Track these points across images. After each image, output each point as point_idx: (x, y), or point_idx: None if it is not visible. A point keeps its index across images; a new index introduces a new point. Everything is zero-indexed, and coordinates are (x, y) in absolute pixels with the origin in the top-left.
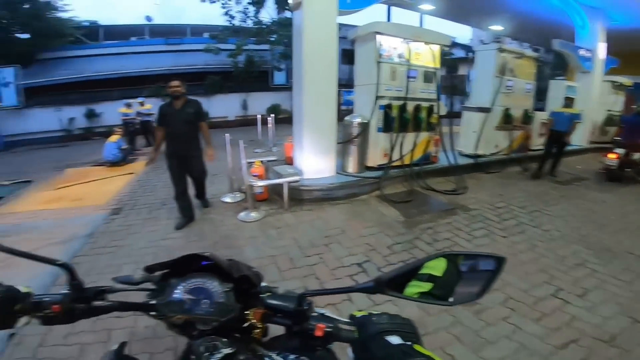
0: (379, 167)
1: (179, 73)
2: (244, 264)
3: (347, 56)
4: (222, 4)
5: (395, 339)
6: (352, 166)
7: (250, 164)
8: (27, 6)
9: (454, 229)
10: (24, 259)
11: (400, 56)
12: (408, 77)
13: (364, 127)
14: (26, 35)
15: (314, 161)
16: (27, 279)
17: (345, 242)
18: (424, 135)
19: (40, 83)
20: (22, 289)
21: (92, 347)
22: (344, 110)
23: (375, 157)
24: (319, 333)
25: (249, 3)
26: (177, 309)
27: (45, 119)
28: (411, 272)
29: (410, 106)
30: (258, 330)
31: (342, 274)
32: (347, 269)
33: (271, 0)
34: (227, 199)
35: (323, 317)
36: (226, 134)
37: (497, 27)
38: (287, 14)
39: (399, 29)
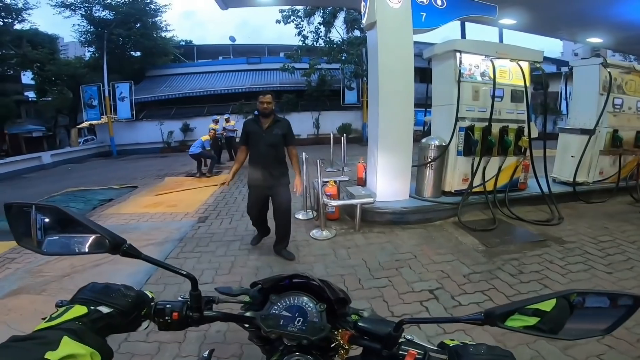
0: (457, 193)
1: (256, 91)
2: (336, 285)
3: (420, 75)
4: (296, 24)
5: None
6: (427, 190)
7: (324, 183)
8: (138, 25)
9: (544, 261)
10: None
11: (483, 74)
12: (493, 96)
13: (442, 150)
14: (137, 54)
15: (387, 184)
16: (128, 274)
17: (416, 267)
18: (511, 160)
19: (148, 99)
20: (149, 294)
21: (169, 345)
22: (416, 132)
23: (453, 182)
24: (409, 359)
25: (320, 23)
26: (273, 324)
27: (150, 132)
28: (519, 306)
29: (496, 128)
30: (343, 352)
31: (412, 299)
32: (417, 294)
33: (341, 20)
34: (300, 216)
35: (412, 343)
36: (303, 153)
37: (594, 40)
38: (357, 32)
39: (481, 46)
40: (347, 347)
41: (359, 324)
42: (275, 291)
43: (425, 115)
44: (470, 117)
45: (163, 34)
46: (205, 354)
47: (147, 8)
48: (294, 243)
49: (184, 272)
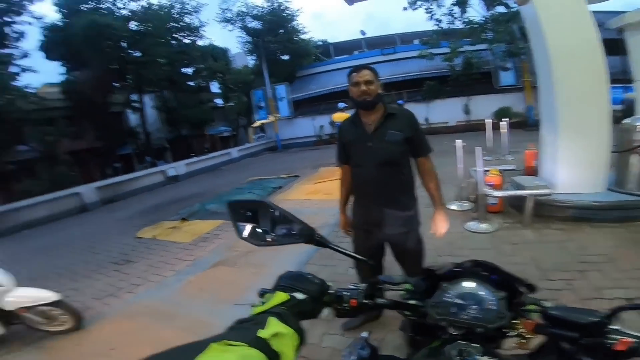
0: None
1: (398, 81)
2: (515, 275)
3: (608, 47)
4: (425, 9)
5: None
6: (632, 182)
7: (485, 172)
8: (282, 31)
9: None
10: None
11: None
12: None
13: None
14: (286, 57)
15: (571, 173)
16: (291, 257)
17: (611, 273)
18: None
19: (301, 97)
20: (329, 284)
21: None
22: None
23: None
24: (621, 347)
25: (453, 4)
26: (443, 312)
27: (305, 127)
28: None
29: None
30: (522, 342)
31: (598, 306)
32: (607, 301)
33: None
34: (453, 207)
35: (618, 332)
36: (457, 140)
37: None
38: (500, 8)
39: None
40: (529, 336)
41: (551, 312)
42: (445, 279)
43: (624, 93)
44: None
45: (303, 37)
46: (365, 334)
47: (284, 14)
48: (448, 235)
49: (370, 262)
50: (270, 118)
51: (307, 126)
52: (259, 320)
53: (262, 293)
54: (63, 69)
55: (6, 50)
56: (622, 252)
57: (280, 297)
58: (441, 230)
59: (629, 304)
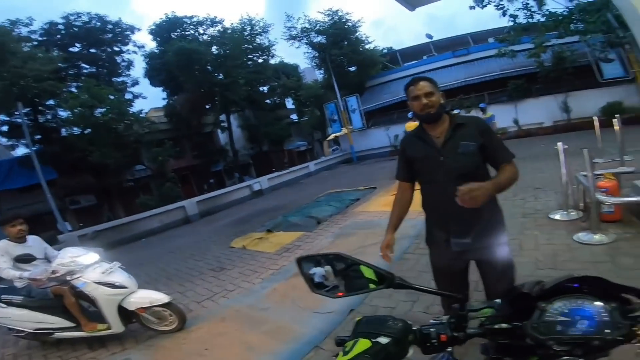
0: None
1: (475, 83)
2: (622, 284)
3: None
4: (495, 5)
5: None
6: None
7: (597, 176)
8: (345, 43)
9: None
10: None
11: None
12: None
13: None
14: (353, 68)
15: None
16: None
17: None
18: None
19: (372, 107)
20: (409, 322)
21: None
22: None
23: None
24: None
25: None
26: (547, 331)
27: (379, 137)
28: None
29: None
30: None
31: None
32: None
33: None
34: (557, 216)
35: None
36: (559, 143)
37: None
38: None
39: None
40: None
41: None
42: (542, 298)
43: None
44: None
45: (367, 46)
46: (450, 349)
47: (345, 27)
48: (551, 247)
49: (459, 296)
50: (344, 130)
51: (381, 136)
52: None
53: (340, 342)
54: (164, 94)
55: (120, 79)
56: None
57: (363, 344)
58: (467, 194)
59: None
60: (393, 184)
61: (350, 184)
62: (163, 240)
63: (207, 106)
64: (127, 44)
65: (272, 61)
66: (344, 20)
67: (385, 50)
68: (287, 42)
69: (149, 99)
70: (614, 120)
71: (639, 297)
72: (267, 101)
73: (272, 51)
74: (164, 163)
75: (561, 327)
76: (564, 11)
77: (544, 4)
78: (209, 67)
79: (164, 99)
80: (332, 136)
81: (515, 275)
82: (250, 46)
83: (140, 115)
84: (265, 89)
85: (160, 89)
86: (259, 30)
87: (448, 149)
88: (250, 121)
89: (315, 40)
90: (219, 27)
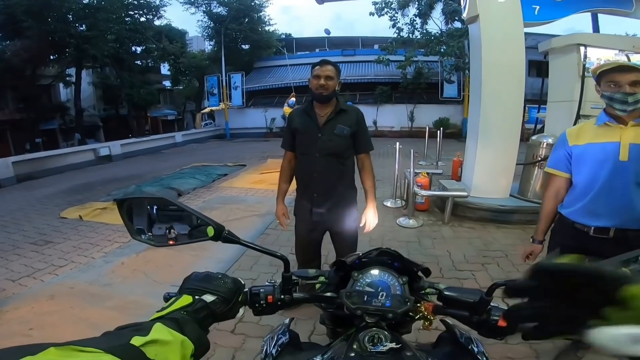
0: None
1: (353, 83)
2: (413, 260)
3: (537, 68)
4: (390, 16)
5: None
6: (532, 191)
7: (416, 174)
8: (247, 20)
9: None
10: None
11: None
12: None
13: None
14: (246, 46)
15: (484, 180)
16: (220, 256)
17: (505, 266)
18: None
19: (255, 88)
20: (242, 281)
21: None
22: (528, 129)
23: None
24: (502, 323)
25: (415, 15)
26: (357, 301)
27: (256, 118)
28: None
29: None
30: (427, 323)
31: (494, 295)
32: (499, 290)
33: (438, 12)
34: (388, 204)
35: (500, 309)
36: (397, 142)
37: None
38: (457, 24)
39: (613, 39)
40: (432, 317)
41: (445, 293)
42: (357, 269)
43: (538, 112)
44: (596, 114)
45: (267, 28)
46: (287, 320)
47: (252, 3)
48: (381, 229)
49: (279, 255)
50: (222, 105)
51: (259, 117)
52: (143, 326)
53: (167, 297)
54: None
55: None
56: (517, 249)
57: (184, 300)
58: (371, 225)
59: (501, 280)
60: (263, 164)
61: (219, 159)
62: None
63: (51, 57)
64: None
65: (157, 22)
66: None
67: (283, 36)
68: (182, 6)
69: None
70: (438, 132)
71: (424, 273)
72: (138, 62)
73: (162, 12)
74: None
75: (367, 297)
76: (437, 33)
77: (427, 24)
78: (69, 16)
79: None
80: (207, 109)
81: (355, 247)
82: (135, 2)
83: None
84: (139, 49)
85: None
86: None
87: (327, 129)
88: (110, 81)
89: (215, 10)
90: None
